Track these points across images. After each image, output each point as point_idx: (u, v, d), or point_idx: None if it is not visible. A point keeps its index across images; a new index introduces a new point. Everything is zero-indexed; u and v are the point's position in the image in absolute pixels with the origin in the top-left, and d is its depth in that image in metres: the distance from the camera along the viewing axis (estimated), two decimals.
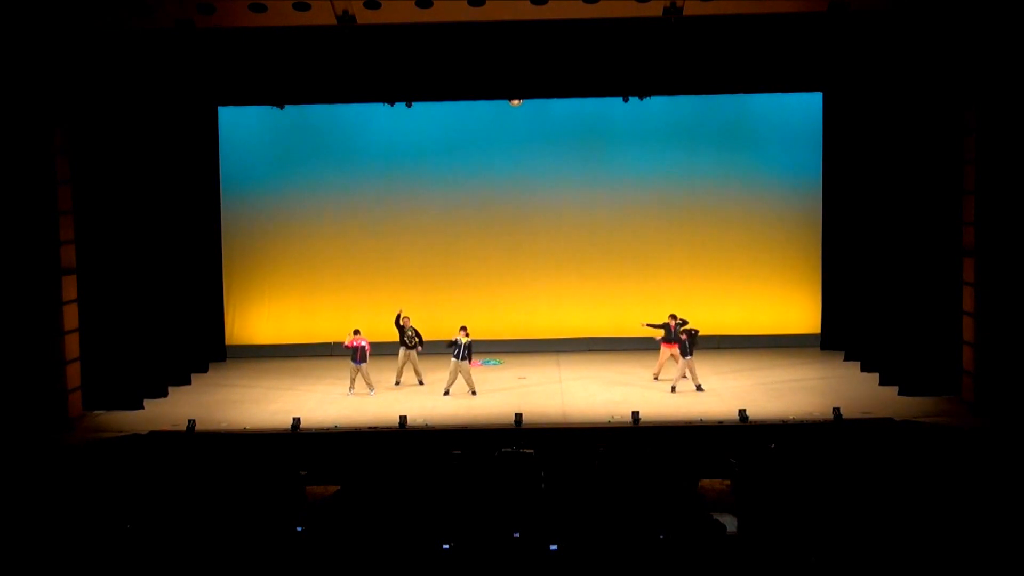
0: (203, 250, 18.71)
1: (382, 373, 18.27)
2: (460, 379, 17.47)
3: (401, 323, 18.03)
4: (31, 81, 15.55)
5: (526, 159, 20.65)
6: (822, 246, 19.51)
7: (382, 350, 18.60)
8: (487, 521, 10.15)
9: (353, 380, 17.57)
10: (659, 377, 18.16)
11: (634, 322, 18.49)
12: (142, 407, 16.65)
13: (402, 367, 18.11)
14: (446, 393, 17.43)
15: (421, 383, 18.08)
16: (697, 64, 15.69)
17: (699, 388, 17.32)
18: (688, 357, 17.39)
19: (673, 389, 17.38)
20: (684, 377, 17.47)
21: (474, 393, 17.42)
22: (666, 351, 17.99)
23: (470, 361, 17.49)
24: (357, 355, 17.42)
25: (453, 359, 17.32)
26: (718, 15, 15.06)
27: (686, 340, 17.34)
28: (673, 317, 17.95)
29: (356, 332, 17.50)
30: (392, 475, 12.09)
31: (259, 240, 20.76)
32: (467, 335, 17.29)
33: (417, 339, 18.03)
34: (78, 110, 16.07)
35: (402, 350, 18.06)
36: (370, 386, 17.62)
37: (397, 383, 18.09)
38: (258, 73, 15.85)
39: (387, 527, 9.97)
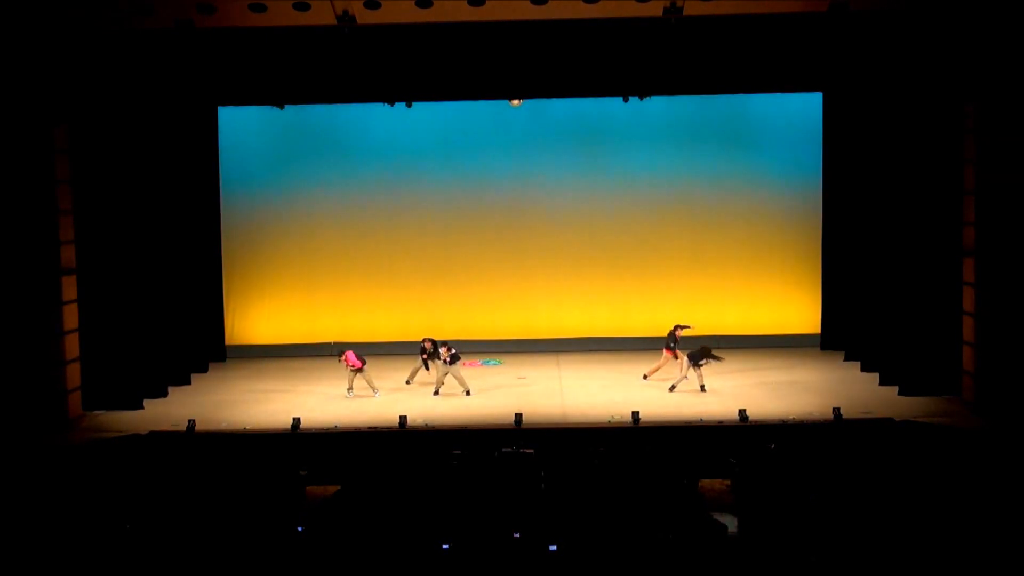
0: (203, 250, 18.69)
1: (384, 372, 18.30)
2: (456, 380, 17.48)
3: (425, 347, 17.72)
4: (31, 80, 15.55)
5: (526, 159, 20.64)
6: (822, 246, 19.49)
7: (383, 350, 18.58)
8: (487, 521, 10.15)
9: (370, 382, 17.47)
10: (648, 377, 18.07)
11: (633, 322, 18.45)
12: (142, 407, 16.64)
13: (442, 377, 17.68)
14: (440, 393, 17.49)
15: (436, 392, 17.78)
16: (697, 64, 15.68)
17: (703, 388, 17.30)
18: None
19: (672, 389, 17.38)
20: (685, 378, 17.44)
21: (437, 393, 17.48)
22: (667, 356, 17.91)
23: (428, 368, 17.57)
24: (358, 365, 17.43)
25: (439, 364, 17.36)
26: (718, 15, 15.06)
27: (698, 356, 17.20)
28: (677, 328, 17.95)
29: (350, 352, 17.41)
30: (392, 475, 12.10)
31: (259, 240, 20.75)
32: (431, 343, 17.45)
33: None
34: (78, 109, 16.05)
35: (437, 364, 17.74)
36: (350, 388, 17.51)
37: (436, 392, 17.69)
38: (258, 73, 15.85)
39: (387, 527, 9.97)
